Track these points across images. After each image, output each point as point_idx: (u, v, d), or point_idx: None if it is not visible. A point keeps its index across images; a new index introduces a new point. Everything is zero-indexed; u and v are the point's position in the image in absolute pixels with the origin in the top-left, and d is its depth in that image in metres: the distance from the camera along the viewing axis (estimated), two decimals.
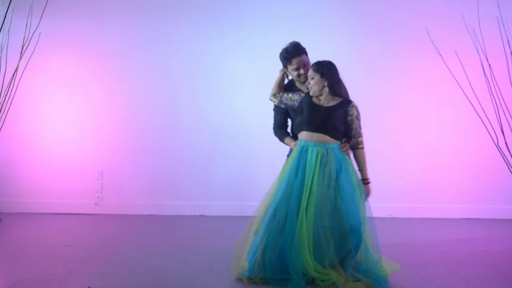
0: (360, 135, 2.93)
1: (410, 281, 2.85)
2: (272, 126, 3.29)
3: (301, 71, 3.05)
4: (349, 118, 2.89)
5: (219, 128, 4.70)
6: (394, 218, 4.66)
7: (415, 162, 4.73)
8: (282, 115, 3.22)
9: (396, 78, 4.71)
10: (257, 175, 4.60)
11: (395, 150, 4.72)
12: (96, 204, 4.69)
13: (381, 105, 4.59)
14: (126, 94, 4.70)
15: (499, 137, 4.19)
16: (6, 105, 4.28)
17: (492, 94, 4.19)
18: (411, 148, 4.74)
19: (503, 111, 4.19)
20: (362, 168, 2.93)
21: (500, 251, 3.58)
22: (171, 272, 2.94)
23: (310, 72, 2.91)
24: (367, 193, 2.91)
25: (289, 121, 3.29)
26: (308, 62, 3.07)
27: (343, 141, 2.92)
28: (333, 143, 2.87)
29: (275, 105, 3.24)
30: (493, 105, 4.20)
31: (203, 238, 3.85)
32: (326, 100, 2.91)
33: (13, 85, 4.30)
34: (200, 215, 4.69)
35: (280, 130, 3.24)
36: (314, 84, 2.89)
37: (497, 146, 4.21)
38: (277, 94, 3.13)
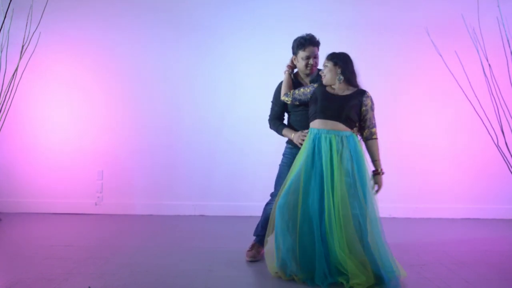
0: (374, 126, 2.92)
1: (410, 281, 2.85)
2: (268, 117, 3.31)
3: (311, 61, 3.09)
4: (363, 108, 2.89)
5: (219, 128, 4.70)
6: (394, 218, 4.65)
7: (415, 162, 4.73)
8: (280, 106, 3.25)
9: (396, 78, 4.72)
10: (257, 175, 4.60)
11: (395, 150, 4.70)
12: (96, 204, 4.69)
13: (381, 105, 4.49)
14: (126, 94, 4.70)
15: (499, 137, 4.19)
16: (6, 105, 4.28)
17: (492, 94, 4.20)
18: (411, 148, 4.73)
19: (503, 111, 4.19)
20: (376, 159, 2.91)
21: (500, 251, 3.58)
22: (171, 272, 2.94)
23: (324, 61, 2.94)
24: (379, 185, 2.89)
25: (286, 116, 3.32)
26: (318, 56, 3.12)
27: (354, 130, 2.90)
28: (346, 131, 2.85)
29: (274, 97, 3.26)
30: (493, 105, 4.20)
31: (203, 238, 3.85)
32: (340, 89, 2.91)
33: (13, 85, 4.30)
34: (200, 215, 4.69)
35: (277, 121, 3.26)
36: (327, 72, 2.91)
37: (497, 146, 4.21)
38: (289, 93, 3.12)
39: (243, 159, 4.68)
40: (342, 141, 2.82)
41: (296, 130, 3.13)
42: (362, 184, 2.79)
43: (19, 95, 4.45)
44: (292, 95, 3.09)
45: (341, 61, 2.89)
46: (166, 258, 3.23)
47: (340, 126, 2.85)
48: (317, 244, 2.72)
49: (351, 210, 2.72)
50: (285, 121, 3.32)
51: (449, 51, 4.33)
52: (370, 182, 2.85)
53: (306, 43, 3.07)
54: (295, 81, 3.21)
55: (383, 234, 2.80)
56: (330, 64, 2.90)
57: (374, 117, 2.93)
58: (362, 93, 2.91)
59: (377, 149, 2.93)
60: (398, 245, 3.63)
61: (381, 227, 2.80)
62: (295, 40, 3.13)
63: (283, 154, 3.24)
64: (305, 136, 2.98)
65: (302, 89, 3.06)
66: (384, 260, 2.74)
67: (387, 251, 2.78)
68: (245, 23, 4.68)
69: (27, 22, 4.32)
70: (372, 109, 2.92)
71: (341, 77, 2.89)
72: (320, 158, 2.81)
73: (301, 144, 3.00)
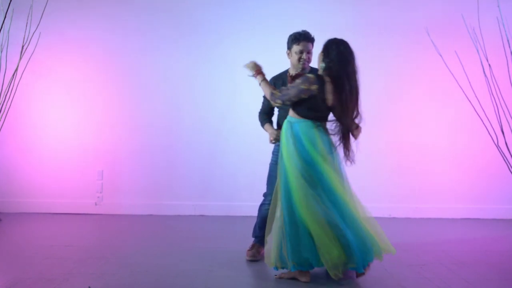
0: (282, 92, 2.82)
1: (410, 281, 2.85)
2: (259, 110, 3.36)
3: (304, 56, 3.10)
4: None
5: (219, 128, 4.70)
6: (394, 218, 4.65)
7: (415, 162, 4.72)
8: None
9: (396, 78, 4.71)
10: (257, 176, 4.57)
11: (395, 150, 4.71)
12: (96, 204, 4.69)
13: (380, 105, 4.58)
14: (126, 94, 4.70)
15: (499, 137, 4.20)
16: (6, 105, 4.29)
17: (492, 94, 4.20)
18: (411, 148, 4.73)
19: (503, 111, 4.19)
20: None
21: (500, 251, 3.58)
22: (171, 272, 2.94)
23: None
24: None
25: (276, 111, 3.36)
26: (312, 53, 3.14)
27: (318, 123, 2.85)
28: (295, 118, 2.84)
29: None
30: (493, 105, 4.20)
31: (203, 238, 3.85)
32: None
33: (13, 85, 4.30)
34: (200, 215, 4.69)
35: (264, 116, 3.33)
36: (317, 58, 2.89)
37: (497, 146, 4.21)
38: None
39: (243, 159, 4.68)
40: (291, 127, 2.82)
41: (280, 126, 3.14)
42: (312, 168, 2.73)
43: (19, 95, 4.45)
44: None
45: (327, 47, 2.80)
46: (166, 258, 3.23)
47: (291, 112, 2.87)
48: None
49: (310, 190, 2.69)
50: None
51: (449, 51, 4.33)
52: (325, 165, 2.76)
53: (301, 37, 3.10)
54: (285, 77, 3.23)
55: (362, 209, 2.79)
56: (320, 50, 2.86)
57: (289, 88, 2.80)
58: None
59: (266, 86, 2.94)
60: (398, 245, 3.62)
61: (355, 202, 2.79)
62: (291, 35, 3.17)
63: (272, 152, 3.28)
64: (277, 135, 3.06)
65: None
66: (363, 237, 2.71)
67: (365, 226, 2.75)
68: (245, 23, 4.68)
69: (27, 22, 4.32)
70: (293, 84, 2.79)
71: (322, 64, 2.80)
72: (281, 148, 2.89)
73: (272, 142, 3.16)
